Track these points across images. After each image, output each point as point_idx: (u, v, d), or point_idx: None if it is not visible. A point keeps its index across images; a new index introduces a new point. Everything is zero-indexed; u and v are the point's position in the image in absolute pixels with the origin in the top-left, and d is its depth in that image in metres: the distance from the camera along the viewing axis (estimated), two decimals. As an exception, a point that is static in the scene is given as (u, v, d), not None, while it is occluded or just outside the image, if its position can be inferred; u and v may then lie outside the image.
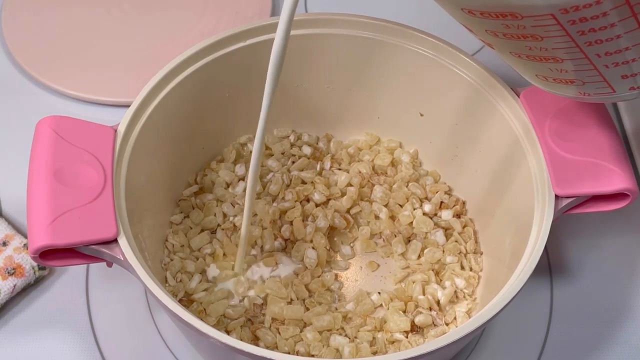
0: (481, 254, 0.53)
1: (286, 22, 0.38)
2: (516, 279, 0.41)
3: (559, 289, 0.54)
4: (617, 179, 0.43)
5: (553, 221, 0.43)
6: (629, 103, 0.63)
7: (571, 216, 0.46)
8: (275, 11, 0.69)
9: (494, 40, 0.37)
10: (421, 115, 0.55)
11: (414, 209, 0.54)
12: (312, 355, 0.47)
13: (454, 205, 0.54)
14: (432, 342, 0.39)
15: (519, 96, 0.48)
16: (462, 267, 0.52)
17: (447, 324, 0.49)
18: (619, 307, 0.53)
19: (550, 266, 0.55)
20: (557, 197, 0.44)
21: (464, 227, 0.53)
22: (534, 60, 0.37)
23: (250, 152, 0.56)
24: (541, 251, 0.42)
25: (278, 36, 0.39)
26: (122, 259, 0.41)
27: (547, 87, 0.41)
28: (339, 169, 0.56)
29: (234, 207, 0.53)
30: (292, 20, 0.39)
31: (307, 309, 0.49)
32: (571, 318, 0.53)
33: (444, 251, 0.52)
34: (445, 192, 0.55)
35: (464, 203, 0.55)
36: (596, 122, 0.45)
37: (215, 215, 0.53)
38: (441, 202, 0.54)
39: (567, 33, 0.33)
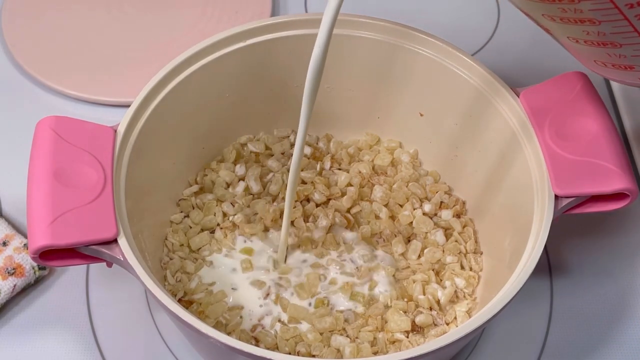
0: (481, 253, 0.53)
1: (330, 22, 0.38)
2: (516, 279, 0.41)
3: (559, 289, 0.54)
4: (616, 179, 0.43)
5: (553, 221, 0.43)
6: (629, 103, 0.63)
7: (571, 216, 0.46)
8: (275, 11, 0.69)
9: (551, 25, 0.36)
10: (421, 115, 0.55)
11: (414, 209, 0.54)
12: (313, 356, 0.47)
13: (454, 205, 0.54)
14: (432, 342, 0.39)
15: (518, 96, 0.48)
16: (462, 267, 0.52)
17: (447, 324, 0.49)
18: (619, 307, 0.53)
19: (550, 266, 0.55)
20: (556, 197, 0.44)
21: (463, 227, 0.53)
22: (592, 45, 0.37)
23: (251, 152, 0.56)
24: (541, 251, 0.42)
25: (320, 38, 0.39)
26: (122, 259, 0.41)
27: (606, 74, 0.41)
28: (339, 169, 0.56)
29: (233, 206, 0.53)
30: (335, 22, 0.39)
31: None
32: (571, 318, 0.53)
33: (443, 251, 0.52)
34: (445, 192, 0.55)
35: (463, 203, 0.55)
36: (596, 122, 0.45)
37: (215, 215, 0.53)
38: (441, 202, 0.54)
39: (625, 17, 0.33)
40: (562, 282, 0.54)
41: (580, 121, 0.46)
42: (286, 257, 0.51)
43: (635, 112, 0.63)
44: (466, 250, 0.52)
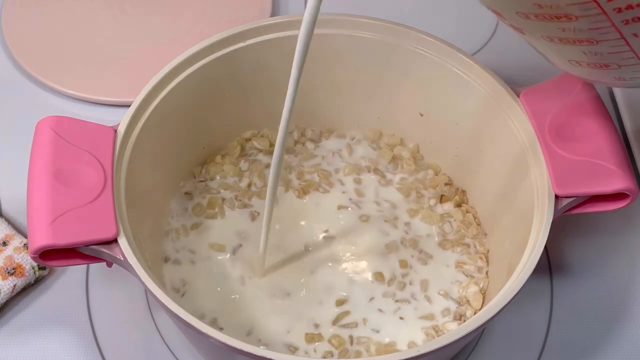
0: (485, 234, 0.53)
1: (310, 21, 0.38)
2: (516, 279, 0.41)
3: (559, 289, 0.54)
4: (616, 179, 0.43)
5: (553, 221, 0.43)
6: (629, 103, 0.63)
7: (571, 216, 0.46)
8: (275, 11, 0.69)
9: (525, 23, 0.36)
10: (421, 115, 0.55)
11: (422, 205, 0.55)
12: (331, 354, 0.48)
13: (455, 196, 0.54)
14: (431, 342, 0.39)
15: (518, 96, 0.48)
16: (470, 254, 0.52)
17: (462, 305, 0.50)
18: (619, 307, 0.53)
19: (550, 266, 0.55)
20: (556, 197, 0.44)
21: (464, 215, 0.54)
22: (567, 43, 0.36)
23: (254, 148, 0.56)
24: (541, 251, 0.42)
25: (301, 38, 0.39)
26: (122, 259, 0.41)
27: (581, 73, 0.40)
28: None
29: (236, 201, 0.53)
30: (316, 18, 0.39)
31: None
32: (571, 318, 0.53)
33: (452, 244, 0.53)
34: (445, 184, 0.55)
35: (463, 192, 0.55)
36: (596, 122, 0.45)
37: (217, 209, 0.53)
38: (442, 196, 0.55)
39: (604, 12, 0.32)
40: (562, 282, 0.54)
41: (581, 121, 0.46)
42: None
43: (635, 112, 0.63)
44: (471, 235, 0.53)
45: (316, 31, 0.51)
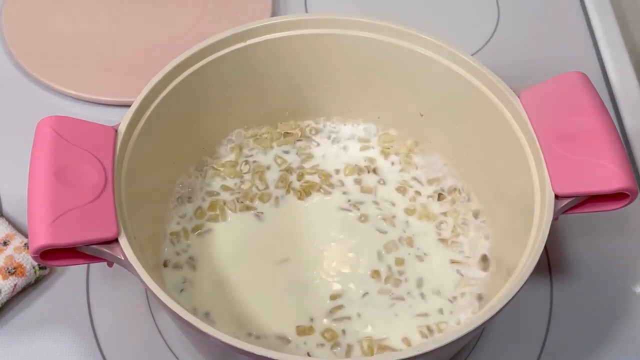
0: (483, 233, 0.53)
1: None
2: (516, 279, 0.41)
3: (559, 289, 0.54)
4: (616, 179, 0.43)
5: (553, 221, 0.43)
6: (629, 103, 0.63)
7: (571, 216, 0.46)
8: (275, 11, 0.69)
9: None
10: (421, 115, 0.55)
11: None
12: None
13: (452, 193, 0.55)
14: (431, 342, 0.39)
15: (519, 96, 0.48)
16: (466, 253, 0.52)
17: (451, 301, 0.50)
18: (619, 307, 0.54)
19: (550, 266, 0.55)
20: (556, 196, 0.44)
21: (462, 213, 0.54)
22: None
23: (254, 149, 0.56)
24: (541, 251, 0.42)
25: None
26: (122, 258, 0.41)
27: None
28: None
29: (238, 203, 0.54)
30: None
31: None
32: (571, 318, 0.53)
33: (447, 241, 0.53)
34: (443, 181, 0.55)
35: (461, 190, 0.55)
36: (596, 121, 0.45)
37: (218, 211, 0.53)
38: (439, 194, 0.55)
39: None
40: (562, 282, 0.54)
41: (580, 121, 0.46)
42: None
43: (635, 112, 0.63)
44: (468, 234, 0.53)
45: (317, 31, 0.51)
